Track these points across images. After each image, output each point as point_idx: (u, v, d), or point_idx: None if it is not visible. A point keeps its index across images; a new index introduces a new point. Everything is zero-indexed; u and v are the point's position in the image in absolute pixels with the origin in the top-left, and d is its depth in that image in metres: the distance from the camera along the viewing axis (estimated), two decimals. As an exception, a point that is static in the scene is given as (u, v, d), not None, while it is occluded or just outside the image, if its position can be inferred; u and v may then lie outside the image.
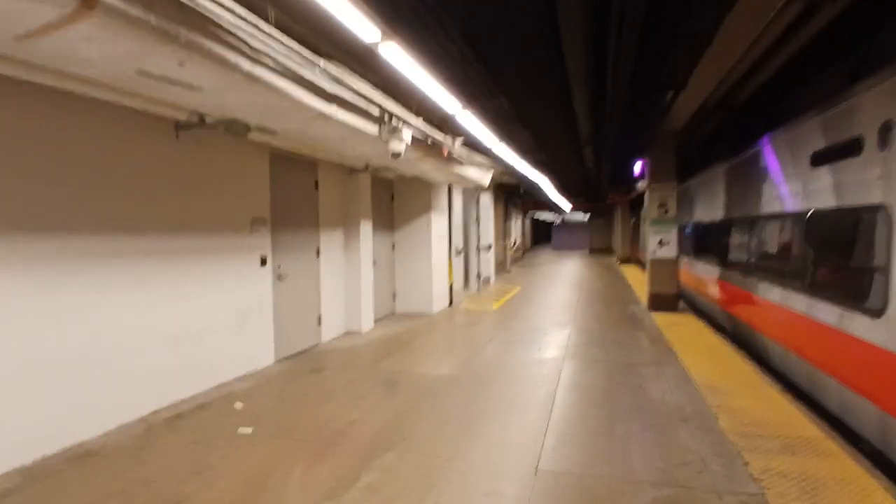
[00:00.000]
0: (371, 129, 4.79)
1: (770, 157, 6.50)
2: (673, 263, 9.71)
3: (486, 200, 14.11)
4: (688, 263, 10.83)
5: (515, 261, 24.53)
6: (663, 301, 9.72)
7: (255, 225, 5.94)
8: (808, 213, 5.10)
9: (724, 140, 10.29)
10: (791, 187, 5.68)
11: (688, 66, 5.22)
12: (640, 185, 10.07)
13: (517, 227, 26.02)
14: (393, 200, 9.85)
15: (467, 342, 7.36)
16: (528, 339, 7.53)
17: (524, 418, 4.45)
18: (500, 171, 11.56)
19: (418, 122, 5.23)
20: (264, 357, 6.08)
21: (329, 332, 7.50)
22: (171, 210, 4.88)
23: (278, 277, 6.32)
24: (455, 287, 11.02)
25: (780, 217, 6.05)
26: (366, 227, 8.13)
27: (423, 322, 8.95)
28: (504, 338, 7.61)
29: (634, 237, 23.95)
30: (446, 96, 5.05)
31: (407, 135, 5.02)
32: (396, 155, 5.04)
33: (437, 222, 10.08)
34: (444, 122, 6.31)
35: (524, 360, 6.37)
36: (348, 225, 7.97)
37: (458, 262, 11.31)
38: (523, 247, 32.20)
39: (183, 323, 4.99)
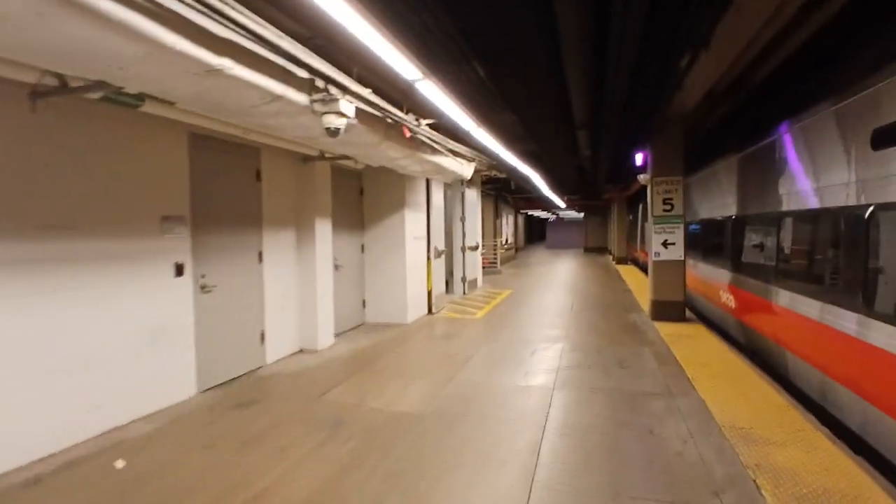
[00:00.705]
0: (295, 96, 3.61)
1: (801, 142, 5.37)
2: (679, 267, 8.58)
3: (472, 196, 12.93)
4: (694, 266, 9.68)
5: (507, 261, 23.39)
6: (668, 309, 8.58)
7: (168, 224, 4.74)
8: (870, 210, 3.96)
9: (738, 127, 9.15)
10: (836, 177, 4.54)
11: (713, 17, 4.07)
12: (642, 177, 8.91)
13: (508, 226, 24.88)
14: (362, 195, 8.66)
15: (441, 362, 6.19)
16: (514, 357, 6.37)
17: (497, 482, 3.28)
18: (487, 165, 10.38)
19: (365, 91, 4.05)
20: (181, 388, 4.88)
21: (276, 351, 6.32)
22: (37, 207, 3.68)
23: (202, 289, 5.12)
24: (436, 292, 9.85)
25: (820, 214, 4.91)
26: (324, 226, 6.94)
27: (395, 335, 7.78)
28: (485, 356, 6.45)
29: (632, 236, 22.86)
30: (400, 59, 3.87)
31: (347, 107, 3.85)
32: (334, 133, 3.86)
33: (414, 220, 8.91)
34: (404, 97, 5.14)
35: (506, 387, 5.21)
36: (302, 223, 6.78)
37: (440, 265, 10.14)
38: (515, 246, 31.08)
39: (61, 351, 3.81)
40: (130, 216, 4.40)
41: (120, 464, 3.62)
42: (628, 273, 17.73)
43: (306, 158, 6.67)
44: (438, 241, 10.02)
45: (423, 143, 6.09)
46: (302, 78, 3.66)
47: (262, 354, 6.07)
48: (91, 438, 4.01)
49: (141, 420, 4.39)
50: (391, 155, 5.84)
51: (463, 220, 12.35)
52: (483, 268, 18.14)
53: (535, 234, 53.25)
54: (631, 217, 22.84)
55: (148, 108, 4.01)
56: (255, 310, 5.97)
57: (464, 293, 12.38)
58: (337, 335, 7.63)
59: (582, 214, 36.55)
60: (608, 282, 15.03)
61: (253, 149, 5.93)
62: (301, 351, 6.79)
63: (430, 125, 5.89)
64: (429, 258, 9.54)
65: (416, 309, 8.93)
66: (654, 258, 8.65)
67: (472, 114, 5.96)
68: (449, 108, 5.25)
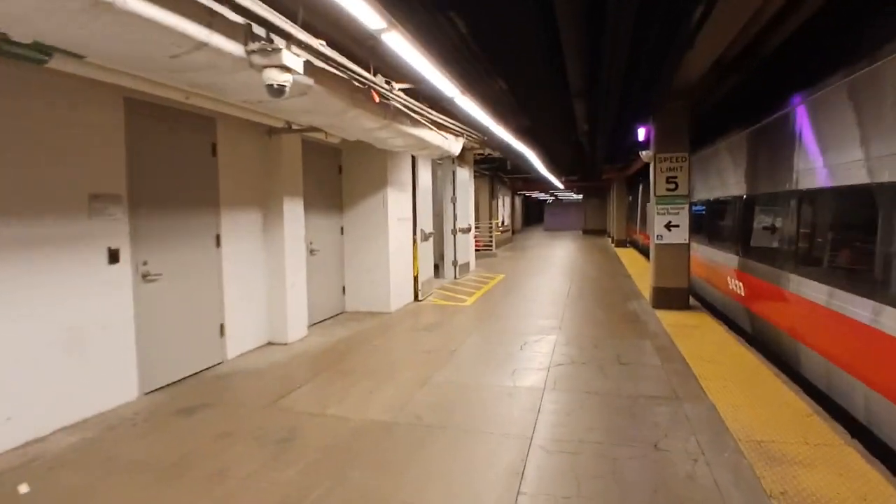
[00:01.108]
0: (226, 44, 2.94)
1: (823, 113, 4.72)
2: (683, 251, 7.96)
3: (464, 176, 12.25)
4: (698, 250, 9.05)
5: (503, 243, 22.77)
6: (671, 297, 7.99)
7: (99, 204, 4.09)
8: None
9: (748, 99, 8.46)
10: (872, 149, 3.89)
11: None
12: (644, 154, 8.24)
13: (505, 207, 24.21)
14: (341, 174, 7.99)
15: (421, 357, 5.60)
16: (502, 351, 5.78)
17: (470, 520, 2.70)
18: (478, 141, 9.69)
19: (315, 42, 3.37)
20: (120, 391, 4.28)
21: (239, 345, 5.72)
22: None
23: (144, 277, 4.49)
24: (424, 277, 9.24)
25: (846, 192, 4.28)
26: (294, 207, 6.30)
27: (375, 325, 7.18)
28: (471, 350, 5.86)
29: (631, 218, 22.22)
30: (358, 2, 3.18)
31: (293, 60, 3.17)
32: (277, 91, 3.19)
33: (397, 201, 8.25)
34: (370, 54, 4.44)
35: (490, 390, 4.62)
36: (270, 204, 6.13)
37: (427, 248, 9.51)
38: (512, 228, 30.44)
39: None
40: (50, 195, 3.75)
41: (24, 489, 3.03)
42: (628, 257, 17.13)
43: (272, 131, 5.99)
44: (426, 223, 9.37)
45: (401, 112, 5.41)
46: (234, 22, 2.98)
47: (222, 349, 5.47)
48: (2, 453, 3.42)
49: (66, 430, 3.79)
50: (365, 125, 5.16)
51: (454, 200, 11.69)
52: (477, 250, 17.54)
53: (533, 215, 52.55)
54: (630, 198, 22.18)
55: (57, 63, 3.33)
56: (212, 300, 5.35)
57: (455, 278, 11.77)
58: (312, 325, 7.04)
59: (580, 196, 35.84)
60: (607, 266, 14.43)
61: (206, 119, 5.25)
62: (269, 344, 6.19)
63: (405, 91, 5.20)
64: (415, 241, 8.90)
65: (400, 296, 8.33)
66: (656, 241, 8.03)
67: (456, 80, 5.27)
68: (426, 70, 4.56)
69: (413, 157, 8.79)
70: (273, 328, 6.21)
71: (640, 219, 19.84)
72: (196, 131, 5.17)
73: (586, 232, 33.77)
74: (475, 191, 20.43)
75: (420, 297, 8.96)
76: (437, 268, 11.97)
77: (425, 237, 9.13)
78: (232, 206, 5.60)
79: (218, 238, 5.41)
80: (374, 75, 4.39)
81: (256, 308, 6.02)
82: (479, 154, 14.00)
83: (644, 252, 18.51)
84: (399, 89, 4.92)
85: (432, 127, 6.43)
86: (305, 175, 6.93)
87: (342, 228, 8.01)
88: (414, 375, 4.97)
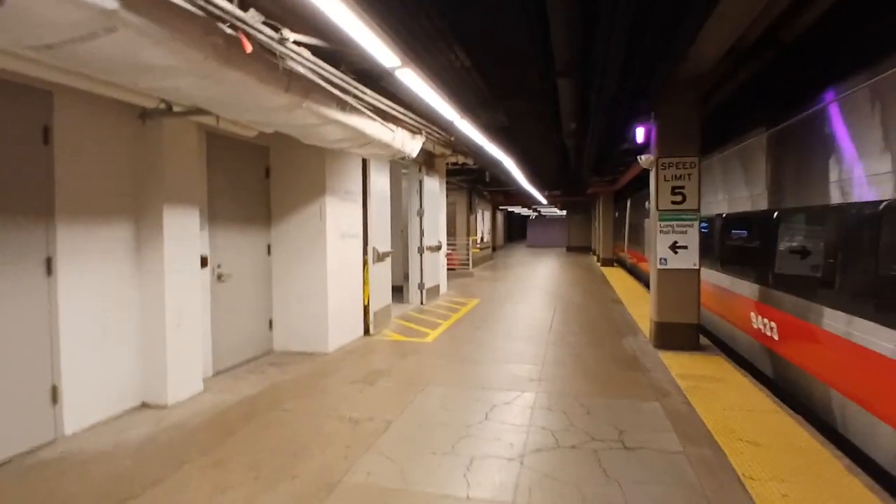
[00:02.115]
0: None
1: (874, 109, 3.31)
2: (692, 279, 6.47)
3: (433, 186, 10.70)
4: (705, 275, 7.57)
5: (482, 261, 21.25)
6: (677, 335, 6.47)
7: None
8: None
9: (770, 92, 7.06)
10: None
11: None
12: (644, 158, 6.77)
13: (485, 222, 22.74)
14: (269, 178, 6.38)
15: (344, 433, 3.97)
16: (459, 421, 4.17)
17: None
18: (445, 142, 8.17)
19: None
20: None
21: (86, 413, 4.02)
22: None
23: None
24: (379, 305, 7.63)
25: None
26: (183, 218, 4.67)
27: (303, 373, 5.54)
28: (417, 417, 4.25)
29: (618, 235, 20.89)
30: None
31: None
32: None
33: (342, 213, 6.66)
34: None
35: None
36: (145, 214, 4.49)
37: (384, 271, 7.91)
38: (493, 244, 28.99)
39: None
40: None
41: None
42: (615, 277, 15.69)
43: (146, 114, 4.37)
44: (382, 240, 7.78)
45: (316, 86, 3.84)
46: None
47: (55, 422, 3.78)
48: None
49: None
50: (260, 100, 3.59)
51: (420, 214, 10.13)
52: (452, 269, 16.01)
53: (516, 231, 51.32)
54: (617, 214, 20.88)
55: None
56: (37, 350, 3.67)
57: (421, 304, 10.17)
58: (219, 374, 5.38)
59: (564, 212, 34.60)
60: (594, 288, 12.94)
61: (36, 92, 3.63)
62: (144, 406, 4.51)
63: (316, 52, 3.62)
64: (366, 262, 7.30)
65: (343, 330, 6.69)
66: (658, 266, 6.53)
67: (396, 44, 3.74)
68: (337, 12, 3.01)
69: (365, 161, 7.23)
70: (148, 384, 4.53)
71: (627, 236, 18.49)
72: (20, 107, 3.55)
73: (570, 249, 32.44)
74: (452, 205, 18.94)
75: (372, 331, 7.33)
76: (402, 290, 10.37)
77: (380, 257, 7.52)
78: (78, 215, 3.95)
79: (49, 262, 3.75)
80: (246, 10, 2.81)
81: (121, 357, 4.34)
82: (453, 163, 12.52)
83: (633, 272, 17.13)
84: (298, 43, 3.33)
85: (373, 115, 4.86)
86: (212, 177, 5.33)
87: (269, 247, 6.37)
88: (320, 470, 3.34)
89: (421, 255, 10.16)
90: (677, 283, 6.49)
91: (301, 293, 6.34)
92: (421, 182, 10.07)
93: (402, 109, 5.33)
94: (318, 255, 6.26)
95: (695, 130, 6.49)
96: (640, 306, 9.78)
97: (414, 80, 4.43)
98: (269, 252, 6.37)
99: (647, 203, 14.99)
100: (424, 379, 5.30)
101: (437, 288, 11.00)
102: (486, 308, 9.88)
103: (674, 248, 6.47)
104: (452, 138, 7.47)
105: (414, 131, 6.21)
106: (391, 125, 5.38)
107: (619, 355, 6.27)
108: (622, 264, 19.97)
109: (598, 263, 21.09)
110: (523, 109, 7.46)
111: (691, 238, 6.44)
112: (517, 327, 8.02)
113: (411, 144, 6.18)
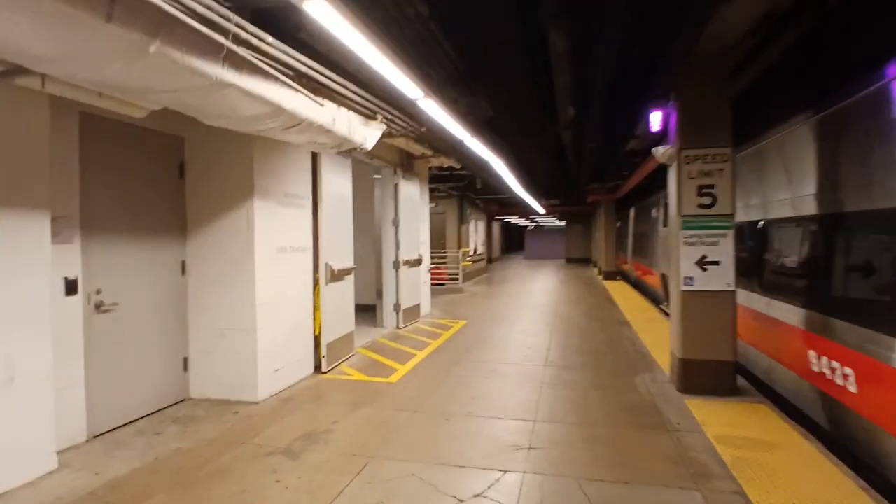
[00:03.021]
0: None
1: None
2: (726, 304, 5.06)
3: (412, 192, 9.31)
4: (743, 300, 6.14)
5: (475, 275, 19.83)
6: (707, 375, 5.05)
7: None
8: None
9: (819, 67, 5.69)
10: None
11: None
12: (661, 151, 5.38)
13: (478, 233, 21.35)
14: (184, 177, 5.00)
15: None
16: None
17: None
18: (416, 136, 6.82)
19: None
20: None
21: None
22: None
23: None
24: (338, 334, 6.22)
25: None
26: (19, 230, 3.27)
27: (209, 436, 4.11)
28: (341, 525, 2.83)
29: (621, 246, 19.51)
30: None
31: None
32: None
33: (279, 221, 5.28)
34: None
35: None
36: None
37: (343, 292, 6.50)
38: (489, 256, 27.59)
39: None
40: None
41: None
42: (619, 292, 14.26)
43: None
44: (340, 255, 6.38)
45: (169, 18, 2.46)
46: None
47: None
48: None
49: None
50: (76, 43, 2.23)
51: (396, 223, 8.73)
52: (441, 284, 14.62)
53: (514, 243, 49.92)
54: (619, 224, 19.51)
55: None
56: None
57: (397, 327, 8.74)
58: (96, 438, 3.96)
59: (563, 223, 33.25)
60: (596, 306, 11.51)
61: None
62: (-51, 501, 3.09)
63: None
64: (317, 283, 5.89)
65: (281, 371, 5.26)
66: (682, 287, 5.13)
67: None
68: None
69: (316, 157, 5.85)
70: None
71: (631, 247, 17.11)
72: None
73: (569, 261, 31.04)
74: (440, 214, 17.57)
75: (325, 367, 5.90)
76: (376, 313, 8.96)
77: (335, 275, 6.10)
78: None
79: None
80: None
81: None
82: (437, 167, 11.17)
83: (638, 286, 15.73)
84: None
85: (291, 82, 3.48)
86: (89, 174, 3.98)
87: (184, 265, 4.97)
88: None
89: (397, 270, 8.75)
90: (707, 309, 5.08)
91: (224, 325, 4.92)
92: (396, 186, 8.69)
93: (341, 80, 3.96)
94: (245, 275, 4.85)
95: (724, 115, 5.13)
96: (652, 330, 8.36)
97: (342, 27, 3.05)
98: (183, 272, 4.96)
99: (653, 211, 13.61)
100: (370, 448, 3.86)
101: (416, 308, 9.57)
102: (472, 332, 8.45)
103: (702, 264, 5.06)
104: (423, 129, 6.09)
105: (367, 115, 4.83)
106: (324, 101, 3.99)
107: (635, 403, 4.84)
108: (626, 277, 18.56)
109: (600, 277, 19.67)
110: (510, 96, 6.11)
111: (724, 251, 5.04)
112: (507, 359, 6.59)
113: (364, 132, 4.80)
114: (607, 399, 4.98)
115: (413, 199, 9.39)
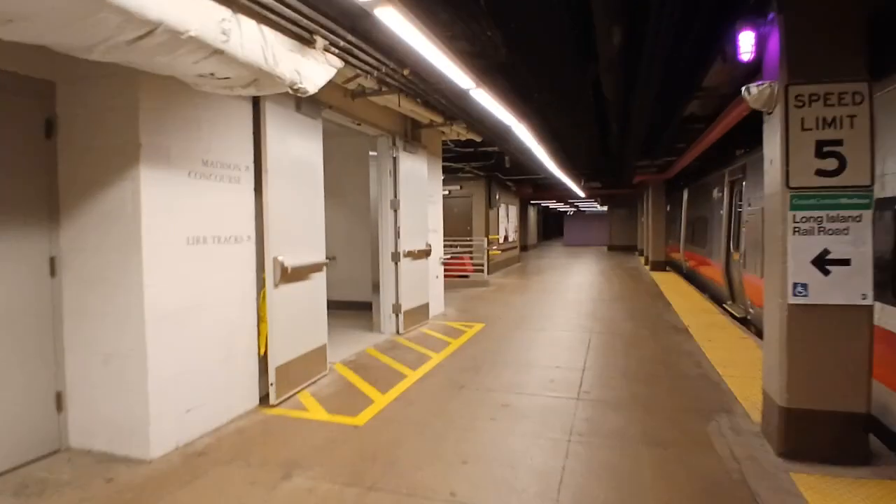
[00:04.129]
0: None
1: None
2: (859, 323, 3.24)
3: (417, 168, 7.66)
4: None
5: (506, 264, 18.08)
6: (826, 433, 3.26)
7: None
8: None
9: None
10: None
11: None
12: (755, 91, 3.53)
13: (510, 219, 19.52)
14: (52, 138, 3.51)
15: None
16: None
17: None
18: (399, 82, 5.17)
19: None
20: None
21: None
22: None
23: None
24: (300, 349, 4.71)
25: None
26: None
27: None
28: None
29: (672, 233, 17.36)
30: None
31: None
32: None
33: (192, 200, 3.75)
34: None
35: None
36: None
37: (306, 294, 4.95)
38: (524, 243, 25.70)
39: None
40: None
41: None
42: (671, 286, 12.26)
43: None
44: (299, 246, 4.82)
45: None
46: None
47: None
48: None
49: None
50: None
51: (396, 207, 7.13)
52: (464, 276, 13.02)
53: (553, 229, 47.67)
54: (670, 207, 17.33)
55: None
56: None
57: (397, 332, 7.19)
58: None
59: (605, 208, 30.94)
60: (644, 306, 9.62)
61: None
62: None
63: None
64: (264, 286, 4.36)
65: (198, 411, 3.75)
66: (791, 299, 3.31)
67: None
68: None
69: (258, 112, 4.27)
70: None
71: (684, 235, 15.00)
72: None
73: (612, 248, 28.79)
74: (466, 198, 15.89)
75: (274, 400, 4.38)
76: (374, 316, 7.42)
77: (289, 275, 4.53)
78: None
79: None
80: None
81: None
82: (457, 143, 9.51)
83: (691, 279, 13.67)
84: None
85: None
86: None
87: (53, 262, 3.51)
88: None
89: (397, 263, 7.17)
90: (829, 332, 3.27)
91: (108, 346, 3.45)
92: (395, 161, 7.07)
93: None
94: (131, 278, 3.35)
95: (857, 33, 3.26)
96: (719, 341, 6.51)
97: None
98: (52, 272, 3.50)
99: (715, 191, 11.49)
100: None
101: (423, 309, 7.97)
102: (488, 341, 6.80)
103: (823, 262, 3.25)
104: (406, 72, 4.41)
105: (300, 37, 3.20)
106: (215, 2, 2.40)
107: (712, 478, 3.10)
108: (677, 269, 16.44)
109: (647, 267, 17.57)
110: (531, 26, 4.35)
111: (859, 243, 3.21)
112: (525, 386, 4.91)
113: (296, 63, 3.18)
114: (669, 468, 3.25)
115: (418, 176, 7.75)
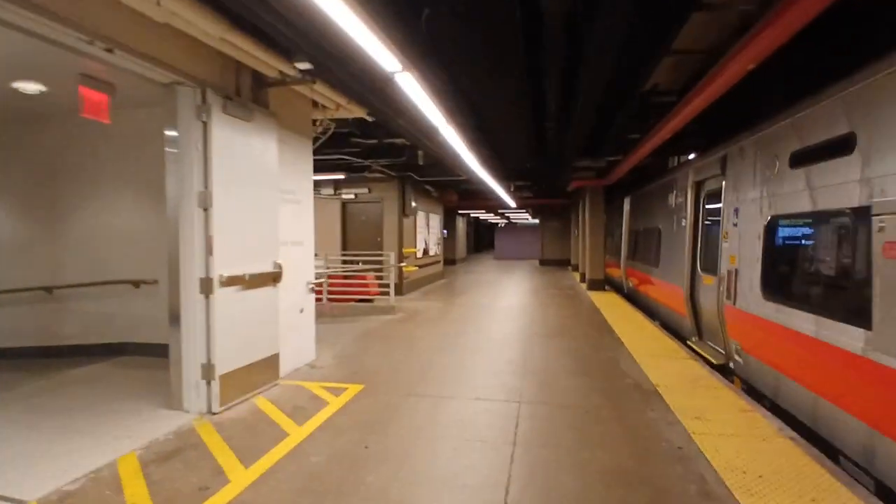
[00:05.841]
0: None
1: None
2: None
3: (255, 147, 4.88)
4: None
5: (427, 281, 15.49)
6: None
7: None
8: None
9: None
10: None
11: None
12: None
13: (431, 230, 16.94)
14: None
15: None
16: None
17: None
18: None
19: None
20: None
21: None
22: None
23: None
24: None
25: None
26: None
27: None
28: None
29: (609, 247, 15.46)
30: None
31: None
32: None
33: None
34: None
35: None
36: None
37: None
38: (450, 257, 23.28)
39: None
40: None
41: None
42: (615, 311, 10.08)
43: None
44: None
45: None
46: None
47: None
48: None
49: None
50: None
51: (206, 205, 4.33)
52: (367, 300, 10.32)
53: (486, 241, 45.84)
54: (607, 218, 15.42)
55: None
56: None
57: (209, 411, 4.36)
58: None
59: (537, 220, 29.16)
60: (592, 346, 7.25)
61: None
62: None
63: None
64: None
65: None
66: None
67: None
68: None
69: None
70: None
71: (625, 249, 13.06)
72: None
73: (544, 262, 26.93)
74: (376, 203, 13.24)
75: None
76: (175, 381, 4.52)
77: None
78: None
79: None
80: None
81: None
82: (335, 119, 6.81)
83: (633, 300, 11.68)
84: None
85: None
86: None
87: None
88: None
89: (208, 296, 4.35)
90: None
91: None
92: (206, 128, 4.29)
93: None
94: None
95: None
96: (717, 419, 4.16)
97: None
98: None
99: (671, 197, 9.37)
100: None
101: (268, 364, 5.15)
102: (355, 425, 4.09)
103: None
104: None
105: None
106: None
107: None
108: (617, 288, 14.50)
109: (583, 285, 15.51)
110: None
111: None
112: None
113: None
114: None
115: (258, 157, 4.97)
